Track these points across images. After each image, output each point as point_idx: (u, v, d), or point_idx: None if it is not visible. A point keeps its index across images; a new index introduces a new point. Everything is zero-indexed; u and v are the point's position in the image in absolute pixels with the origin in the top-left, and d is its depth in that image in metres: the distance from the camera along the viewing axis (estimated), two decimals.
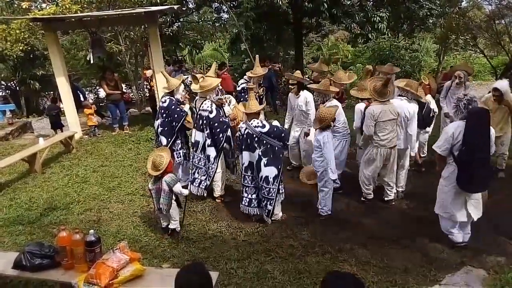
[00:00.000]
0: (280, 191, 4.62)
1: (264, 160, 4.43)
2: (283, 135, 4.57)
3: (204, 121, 5.03)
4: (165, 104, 5.39)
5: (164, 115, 5.40)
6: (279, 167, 4.53)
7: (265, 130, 4.41)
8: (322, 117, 4.55)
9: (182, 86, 5.64)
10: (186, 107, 5.39)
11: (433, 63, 17.04)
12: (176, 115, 5.32)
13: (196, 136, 5.19)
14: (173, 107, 5.34)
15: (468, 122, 3.64)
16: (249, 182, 4.64)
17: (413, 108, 4.98)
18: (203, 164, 5.19)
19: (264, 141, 4.41)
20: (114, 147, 7.89)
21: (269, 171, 4.45)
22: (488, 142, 3.66)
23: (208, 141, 5.07)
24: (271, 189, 4.49)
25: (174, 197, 4.23)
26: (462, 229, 4.00)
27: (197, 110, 5.13)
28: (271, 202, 4.54)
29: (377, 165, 4.90)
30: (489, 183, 3.82)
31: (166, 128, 5.43)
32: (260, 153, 4.43)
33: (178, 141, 5.49)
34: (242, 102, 4.93)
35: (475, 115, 3.65)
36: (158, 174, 4.15)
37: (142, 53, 11.79)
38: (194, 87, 5.24)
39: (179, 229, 4.40)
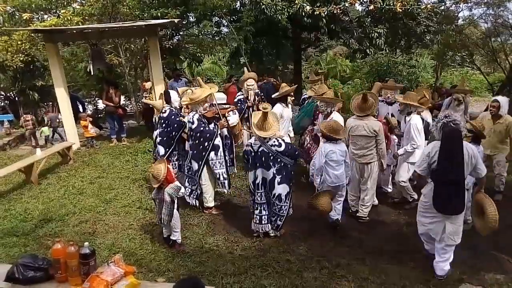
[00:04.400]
0: (290, 206, 4.61)
1: (278, 178, 4.40)
2: (296, 153, 4.59)
3: (189, 132, 5.08)
4: (164, 115, 5.45)
5: (164, 125, 5.45)
6: (291, 184, 4.54)
7: (281, 149, 4.38)
8: (336, 128, 4.61)
9: (175, 94, 5.69)
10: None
11: (431, 79, 17.22)
12: (175, 125, 5.37)
13: (186, 146, 5.30)
14: (172, 117, 5.39)
15: (441, 142, 3.61)
16: (264, 199, 4.54)
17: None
18: (191, 174, 5.24)
19: (279, 159, 4.38)
20: (111, 159, 7.87)
21: (282, 189, 4.43)
22: (461, 164, 3.55)
23: (191, 153, 5.10)
24: (283, 206, 4.48)
25: (176, 207, 4.21)
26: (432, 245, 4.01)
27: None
28: (282, 218, 4.53)
29: (354, 176, 4.98)
30: (462, 208, 3.64)
31: (164, 138, 5.47)
32: (274, 171, 4.39)
33: (175, 152, 5.52)
34: (252, 119, 4.82)
35: (446, 136, 3.60)
36: (159, 184, 4.14)
37: (142, 65, 11.85)
38: (184, 100, 5.30)
39: (180, 240, 4.36)
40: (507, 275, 3.80)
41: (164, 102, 5.58)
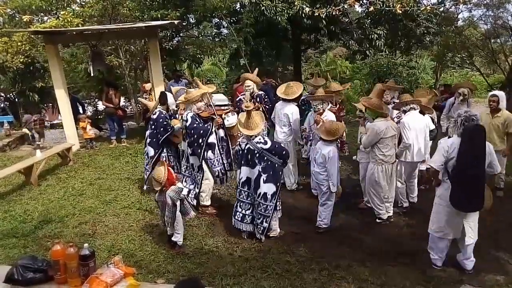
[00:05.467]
0: (278, 208, 4.58)
1: (263, 177, 4.40)
2: (283, 152, 4.57)
3: (185, 131, 5.14)
4: (154, 116, 5.55)
5: (153, 126, 5.54)
6: (278, 184, 4.51)
7: (266, 146, 4.40)
8: (329, 129, 4.60)
9: (172, 96, 5.74)
10: (177, 126, 5.43)
11: (430, 80, 17.22)
12: (161, 128, 5.42)
13: (183, 145, 5.35)
14: (160, 120, 5.46)
15: (463, 138, 3.61)
16: (245, 198, 4.60)
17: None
18: (189, 173, 5.25)
19: (265, 158, 4.39)
20: (111, 160, 7.87)
21: (267, 188, 4.42)
22: (483, 160, 3.58)
23: (189, 150, 5.14)
24: (269, 206, 4.44)
25: (179, 209, 4.20)
26: (442, 253, 3.95)
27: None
28: (267, 219, 4.48)
29: (384, 181, 4.88)
30: (482, 203, 3.66)
31: (154, 140, 5.55)
32: (260, 170, 4.41)
33: (164, 154, 5.57)
34: (239, 118, 4.89)
35: (469, 132, 3.60)
36: (161, 187, 4.15)
37: (142, 67, 11.86)
38: (180, 99, 5.33)
39: (180, 242, 4.35)
40: (507, 276, 3.80)
41: (158, 104, 5.62)
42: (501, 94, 5.49)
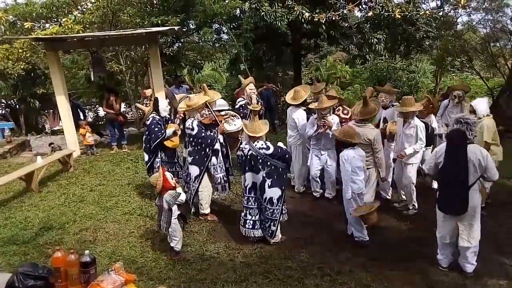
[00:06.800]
0: (283, 212, 4.59)
1: (268, 182, 4.41)
2: (287, 156, 4.57)
3: (188, 139, 5.12)
4: (147, 122, 5.59)
5: (147, 132, 5.59)
6: (283, 188, 4.53)
7: (269, 152, 4.40)
8: (352, 132, 4.52)
9: (164, 103, 5.76)
10: (169, 131, 5.44)
11: (430, 84, 17.24)
12: (153, 135, 5.45)
13: (184, 153, 5.36)
14: (152, 126, 5.50)
15: (446, 143, 3.73)
16: (253, 204, 4.58)
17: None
18: (189, 180, 5.26)
19: (268, 163, 4.40)
20: (112, 166, 7.86)
21: (273, 193, 4.43)
22: (464, 165, 3.57)
23: (189, 159, 5.12)
24: (275, 210, 4.47)
25: (176, 215, 4.20)
26: (447, 255, 3.97)
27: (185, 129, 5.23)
28: (275, 223, 4.51)
29: None
30: (463, 209, 3.64)
31: (147, 145, 5.58)
32: (264, 175, 4.41)
33: (157, 160, 5.57)
34: (243, 121, 4.92)
35: (450, 137, 3.71)
36: (159, 191, 4.16)
37: (143, 73, 11.90)
38: (181, 106, 5.34)
39: (177, 249, 4.33)
40: (510, 280, 3.78)
41: (152, 109, 5.65)
42: (475, 102, 5.35)
